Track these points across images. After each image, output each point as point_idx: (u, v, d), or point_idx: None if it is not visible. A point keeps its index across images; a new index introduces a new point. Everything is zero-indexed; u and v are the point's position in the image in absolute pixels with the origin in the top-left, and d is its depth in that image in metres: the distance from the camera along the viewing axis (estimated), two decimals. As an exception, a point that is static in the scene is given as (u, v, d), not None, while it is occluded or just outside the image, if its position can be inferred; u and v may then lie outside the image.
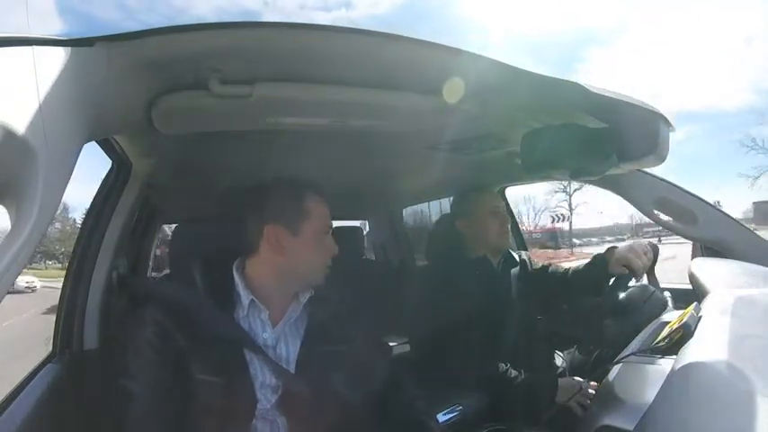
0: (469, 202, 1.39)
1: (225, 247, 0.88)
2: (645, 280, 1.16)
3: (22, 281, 12.11)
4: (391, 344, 1.79)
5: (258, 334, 0.81)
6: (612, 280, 1.15)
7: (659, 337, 0.78)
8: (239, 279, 0.83)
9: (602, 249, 1.22)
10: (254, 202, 0.86)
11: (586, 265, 1.24)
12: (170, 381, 0.75)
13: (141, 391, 0.74)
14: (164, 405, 0.74)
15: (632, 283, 1.13)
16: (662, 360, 0.73)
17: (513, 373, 1.21)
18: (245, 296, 0.81)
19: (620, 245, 1.17)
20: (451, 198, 1.54)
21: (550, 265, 1.39)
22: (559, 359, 1.42)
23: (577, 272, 1.27)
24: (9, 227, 0.40)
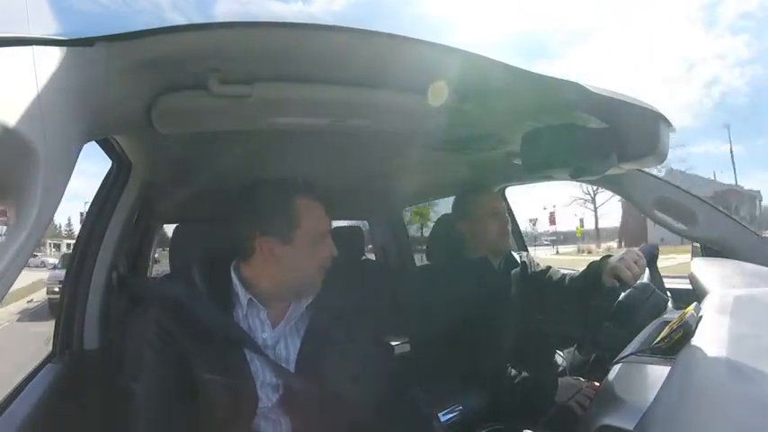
0: (469, 204, 1.39)
1: (225, 248, 0.88)
2: (646, 278, 1.15)
3: (50, 260, 16.57)
4: (392, 344, 1.79)
5: (257, 334, 0.81)
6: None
7: (659, 337, 0.78)
8: (237, 280, 0.83)
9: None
10: (244, 209, 0.83)
11: (582, 273, 1.23)
12: (171, 381, 0.75)
13: (143, 392, 0.75)
14: (166, 405, 0.74)
15: None
16: (662, 360, 0.73)
17: (513, 372, 1.21)
18: (243, 296, 0.81)
19: (614, 254, 1.16)
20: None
21: (550, 267, 1.39)
22: (559, 359, 1.42)
23: (573, 279, 1.26)
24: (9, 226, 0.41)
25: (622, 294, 1.07)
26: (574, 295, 1.24)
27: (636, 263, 1.07)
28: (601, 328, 1.09)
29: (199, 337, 0.76)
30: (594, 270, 1.16)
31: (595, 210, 28.15)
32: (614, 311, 1.06)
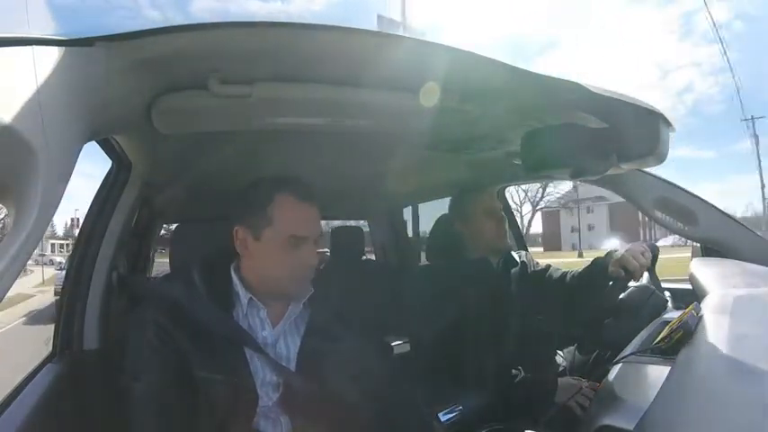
0: (466, 204, 1.39)
1: (224, 247, 0.88)
2: (645, 279, 1.16)
3: (57, 258, 18.03)
4: (392, 343, 1.79)
5: (257, 332, 0.81)
6: (611, 283, 1.15)
7: (659, 337, 0.78)
8: (237, 279, 0.83)
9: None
10: (232, 203, 0.85)
11: (586, 268, 1.23)
12: (171, 381, 0.75)
13: (143, 392, 0.74)
14: (166, 405, 0.74)
15: (632, 283, 1.13)
16: (662, 360, 0.73)
17: (513, 372, 1.21)
18: (243, 295, 0.81)
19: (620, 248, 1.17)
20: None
21: (550, 266, 1.39)
22: (559, 359, 1.42)
23: (576, 276, 1.26)
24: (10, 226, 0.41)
25: (623, 294, 1.08)
26: (576, 292, 1.24)
27: (642, 254, 1.08)
28: (602, 326, 1.09)
29: (198, 336, 0.76)
30: (600, 264, 1.17)
31: (521, 218, 30.51)
32: (614, 311, 1.06)
